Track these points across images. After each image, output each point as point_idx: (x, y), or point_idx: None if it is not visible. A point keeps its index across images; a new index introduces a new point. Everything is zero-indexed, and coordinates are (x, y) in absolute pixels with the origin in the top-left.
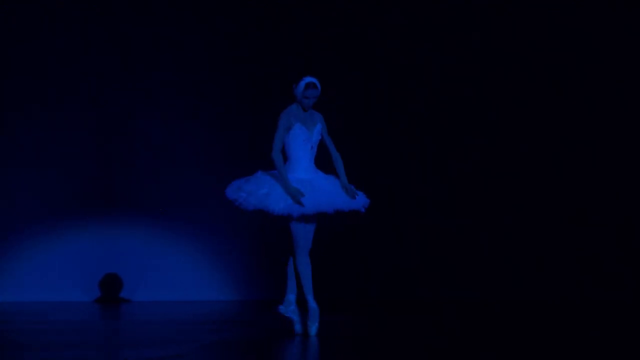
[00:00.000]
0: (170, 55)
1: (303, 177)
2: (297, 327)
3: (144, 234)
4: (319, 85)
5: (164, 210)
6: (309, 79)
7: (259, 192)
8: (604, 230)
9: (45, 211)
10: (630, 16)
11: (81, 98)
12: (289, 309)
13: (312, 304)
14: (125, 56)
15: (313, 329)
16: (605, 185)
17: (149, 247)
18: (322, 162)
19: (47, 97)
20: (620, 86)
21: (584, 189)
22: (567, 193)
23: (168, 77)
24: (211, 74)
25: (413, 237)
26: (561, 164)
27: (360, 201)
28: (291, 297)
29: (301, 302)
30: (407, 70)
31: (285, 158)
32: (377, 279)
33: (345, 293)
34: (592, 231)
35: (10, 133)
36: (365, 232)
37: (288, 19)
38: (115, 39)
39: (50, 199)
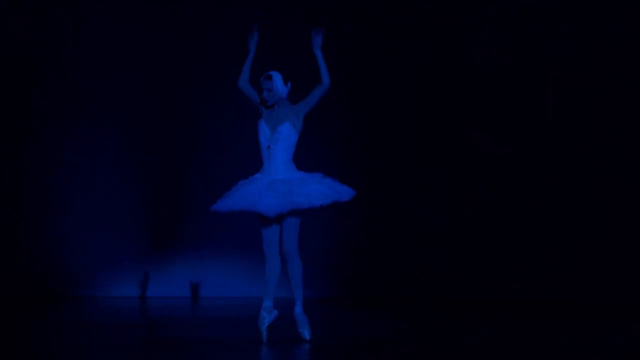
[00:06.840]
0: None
1: (252, 177)
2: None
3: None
4: (272, 75)
5: (163, 210)
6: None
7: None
8: None
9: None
10: None
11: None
12: (270, 315)
13: (267, 303)
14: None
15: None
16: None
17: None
18: (301, 163)
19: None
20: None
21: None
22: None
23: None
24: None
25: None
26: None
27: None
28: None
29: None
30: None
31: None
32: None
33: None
34: None
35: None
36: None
37: None
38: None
39: None
